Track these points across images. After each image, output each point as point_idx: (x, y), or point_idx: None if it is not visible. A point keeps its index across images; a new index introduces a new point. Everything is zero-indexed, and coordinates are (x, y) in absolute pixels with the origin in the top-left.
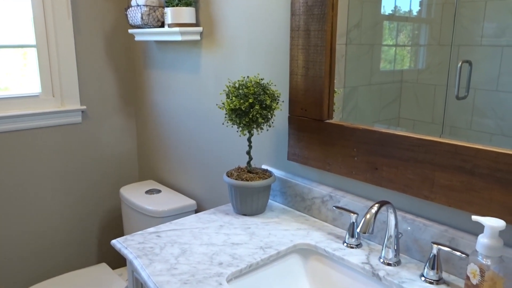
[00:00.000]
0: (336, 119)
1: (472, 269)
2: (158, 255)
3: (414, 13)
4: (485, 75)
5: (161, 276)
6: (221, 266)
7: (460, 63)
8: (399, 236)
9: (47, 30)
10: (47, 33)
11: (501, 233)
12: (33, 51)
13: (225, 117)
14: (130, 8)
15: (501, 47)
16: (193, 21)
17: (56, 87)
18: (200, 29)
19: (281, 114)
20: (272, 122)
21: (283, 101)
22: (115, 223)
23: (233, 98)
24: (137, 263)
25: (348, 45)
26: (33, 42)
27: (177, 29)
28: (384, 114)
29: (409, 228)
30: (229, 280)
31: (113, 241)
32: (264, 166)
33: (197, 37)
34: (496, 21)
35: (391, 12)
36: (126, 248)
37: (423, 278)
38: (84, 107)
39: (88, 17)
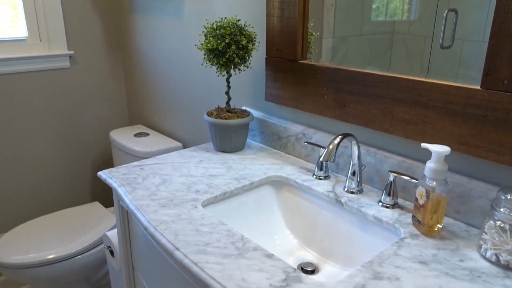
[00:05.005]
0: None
1: (419, 191)
2: (140, 184)
3: None
4: (472, 25)
5: (142, 201)
6: (198, 193)
7: (446, 12)
8: (362, 167)
9: None
10: None
11: (449, 160)
12: None
13: (204, 57)
14: None
15: None
16: None
17: (43, 32)
18: None
19: (259, 56)
20: (250, 63)
21: (259, 42)
22: (107, 165)
23: (211, 38)
24: (120, 190)
25: None
26: None
27: None
28: (375, 65)
29: (372, 160)
30: (204, 205)
31: (99, 173)
32: (244, 107)
33: None
34: None
35: None
36: (111, 178)
37: (380, 203)
38: (72, 52)
39: None
